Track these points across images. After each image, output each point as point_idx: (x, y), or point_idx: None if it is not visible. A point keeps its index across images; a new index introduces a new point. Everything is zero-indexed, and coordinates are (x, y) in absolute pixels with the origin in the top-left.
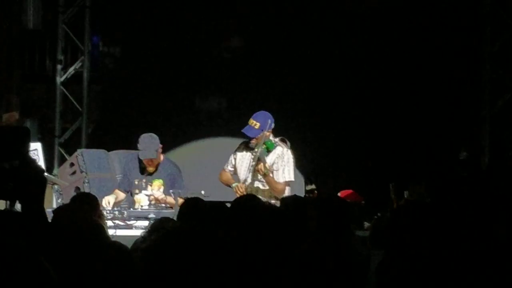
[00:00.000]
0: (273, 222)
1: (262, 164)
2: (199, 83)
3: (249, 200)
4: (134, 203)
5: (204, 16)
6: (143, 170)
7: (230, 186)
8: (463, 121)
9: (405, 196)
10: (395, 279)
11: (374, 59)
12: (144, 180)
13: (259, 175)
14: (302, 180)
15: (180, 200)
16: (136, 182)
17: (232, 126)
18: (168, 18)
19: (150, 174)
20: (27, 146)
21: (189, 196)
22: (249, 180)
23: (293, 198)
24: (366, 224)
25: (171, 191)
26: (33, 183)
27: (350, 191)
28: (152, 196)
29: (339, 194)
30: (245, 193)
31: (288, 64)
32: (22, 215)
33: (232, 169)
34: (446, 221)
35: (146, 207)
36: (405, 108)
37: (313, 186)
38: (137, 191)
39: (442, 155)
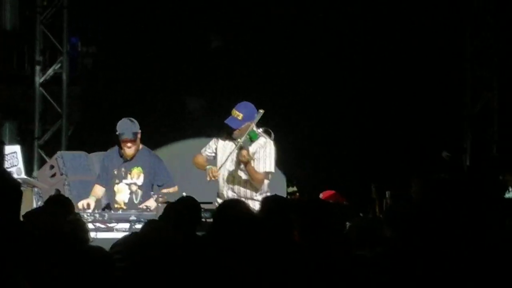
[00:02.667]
0: (255, 230)
1: (245, 151)
2: (180, 82)
3: (233, 206)
4: (115, 194)
5: (184, 16)
6: (121, 157)
7: (204, 169)
8: (445, 121)
9: (387, 197)
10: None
11: (355, 60)
12: (123, 169)
13: (240, 164)
14: (284, 181)
15: (160, 200)
16: (116, 172)
17: (213, 126)
18: (147, 18)
19: (129, 161)
20: (1, 159)
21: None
22: (227, 168)
23: (274, 199)
24: (349, 225)
25: (152, 193)
26: (8, 196)
27: (332, 192)
28: (133, 185)
29: (321, 195)
30: (217, 177)
31: (270, 64)
32: None
33: (211, 154)
34: (431, 221)
35: (127, 198)
36: (386, 109)
37: (295, 189)
38: (117, 180)
39: (424, 156)
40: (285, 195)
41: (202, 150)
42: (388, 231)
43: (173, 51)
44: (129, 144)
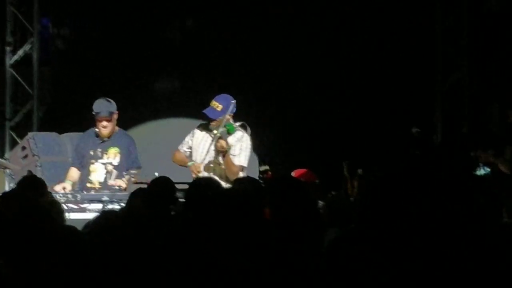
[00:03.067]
0: (230, 204)
1: (224, 141)
2: (152, 63)
3: (207, 183)
4: (90, 173)
5: None
6: (97, 137)
7: (185, 166)
8: (416, 99)
9: (359, 174)
10: (347, 257)
11: (324, 38)
12: (99, 149)
13: (219, 156)
14: (256, 161)
15: (132, 180)
16: (92, 153)
17: (186, 107)
18: None
19: (106, 142)
20: None
21: (144, 178)
22: (206, 162)
23: (249, 179)
24: (321, 203)
25: (124, 173)
26: None
27: (304, 170)
28: (109, 165)
29: (293, 173)
30: (201, 172)
31: (243, 45)
32: None
33: (188, 150)
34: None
35: (102, 178)
36: (358, 87)
37: (267, 167)
38: (93, 161)
39: (394, 133)
40: (257, 174)
41: (179, 147)
42: (361, 209)
43: (146, 32)
44: (104, 123)
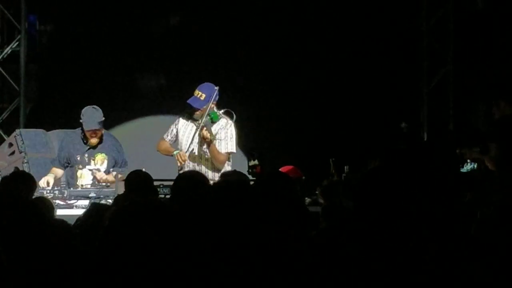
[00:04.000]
0: (216, 199)
1: (206, 131)
2: (138, 60)
3: (192, 176)
4: (77, 179)
5: None
6: (85, 144)
7: (171, 155)
8: (402, 96)
9: (345, 171)
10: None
11: (313, 35)
12: (86, 155)
13: (203, 146)
14: (244, 155)
15: (119, 176)
16: (79, 158)
17: (172, 104)
18: None
19: (93, 147)
20: None
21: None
22: (191, 150)
23: (235, 173)
24: (307, 200)
25: (111, 169)
26: None
27: (290, 167)
28: (95, 171)
29: (279, 170)
30: (186, 161)
31: (228, 42)
32: None
33: (173, 138)
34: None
35: (90, 183)
36: (345, 84)
37: (256, 162)
38: (80, 166)
39: (382, 130)
40: (246, 169)
41: (164, 136)
42: (347, 202)
43: (131, 29)
44: (93, 134)
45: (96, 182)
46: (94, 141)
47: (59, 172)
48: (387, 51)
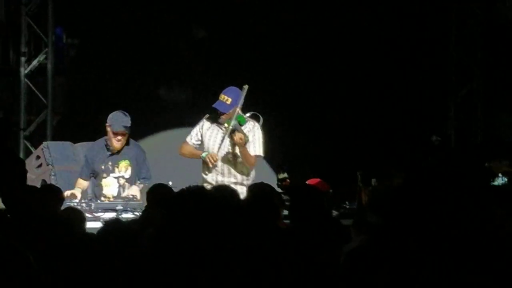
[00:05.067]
0: (241, 215)
1: (240, 134)
2: (164, 73)
3: (220, 191)
4: (102, 188)
5: (169, 5)
6: (108, 151)
7: (199, 157)
8: (430, 109)
9: (373, 184)
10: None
11: (342, 48)
12: (110, 163)
13: (235, 147)
14: (273, 168)
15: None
16: (103, 167)
17: (198, 116)
18: (132, 8)
19: (116, 153)
20: (5, 137)
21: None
22: (220, 154)
23: (261, 186)
24: (335, 213)
25: (138, 182)
26: (12, 174)
27: (317, 179)
28: (121, 179)
29: (306, 183)
30: (218, 161)
31: (255, 54)
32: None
33: (198, 142)
34: (416, 207)
35: (115, 192)
36: (372, 97)
37: (285, 175)
38: (104, 175)
39: (409, 143)
40: (275, 181)
41: (188, 139)
42: (373, 218)
43: (158, 42)
44: (119, 137)
45: (122, 190)
46: (118, 145)
47: (85, 184)
48: (416, 63)
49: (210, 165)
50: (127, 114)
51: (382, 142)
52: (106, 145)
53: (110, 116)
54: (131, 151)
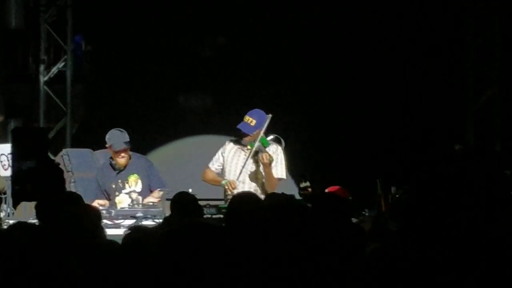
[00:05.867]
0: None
1: (266, 154)
2: (183, 81)
3: (248, 197)
4: (116, 206)
5: (188, 14)
6: (114, 169)
7: (219, 185)
8: (448, 117)
9: (392, 192)
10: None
11: (359, 57)
12: (119, 180)
13: (259, 169)
14: (291, 178)
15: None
16: (113, 186)
17: (216, 124)
18: (151, 16)
19: (122, 170)
20: (46, 147)
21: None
22: (241, 178)
23: (281, 196)
24: (354, 221)
25: (158, 189)
26: (52, 183)
27: (337, 187)
28: (133, 193)
29: (326, 190)
30: (237, 189)
31: (275, 62)
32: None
33: (220, 167)
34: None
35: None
36: (391, 105)
37: (307, 183)
38: (116, 193)
39: (428, 151)
40: (297, 190)
41: (210, 165)
42: (393, 225)
43: (177, 50)
44: (122, 154)
45: (134, 203)
46: (123, 161)
47: (105, 202)
48: (434, 71)
49: (229, 192)
50: (123, 130)
51: (402, 149)
52: (111, 164)
53: (107, 136)
54: (136, 164)
